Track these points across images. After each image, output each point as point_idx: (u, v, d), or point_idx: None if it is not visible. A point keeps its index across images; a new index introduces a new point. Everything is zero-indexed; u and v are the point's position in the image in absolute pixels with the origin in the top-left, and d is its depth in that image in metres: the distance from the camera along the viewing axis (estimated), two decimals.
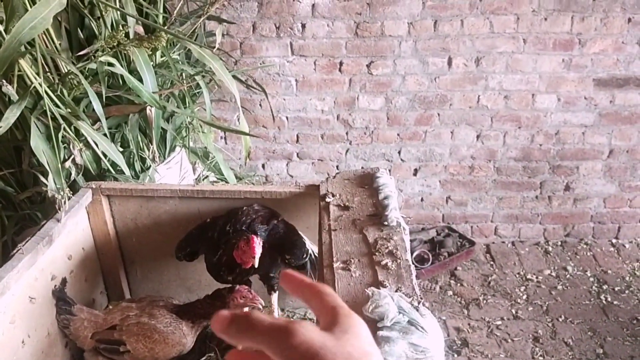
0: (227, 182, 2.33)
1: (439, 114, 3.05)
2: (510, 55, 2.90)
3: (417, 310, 0.99)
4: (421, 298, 1.04)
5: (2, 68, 1.39)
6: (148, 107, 1.76)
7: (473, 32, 2.84)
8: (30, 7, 1.48)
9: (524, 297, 2.88)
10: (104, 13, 1.76)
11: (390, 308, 0.97)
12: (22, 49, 1.46)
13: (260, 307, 1.45)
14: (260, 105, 3.06)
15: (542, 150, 3.13)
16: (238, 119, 2.08)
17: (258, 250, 1.34)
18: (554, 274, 3.06)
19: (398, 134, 3.11)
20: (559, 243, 3.32)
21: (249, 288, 1.44)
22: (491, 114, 3.04)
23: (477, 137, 3.11)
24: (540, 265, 3.14)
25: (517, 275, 3.06)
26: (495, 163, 3.17)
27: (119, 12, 1.81)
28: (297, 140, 3.17)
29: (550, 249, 3.29)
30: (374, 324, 0.97)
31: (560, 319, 2.72)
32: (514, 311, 2.78)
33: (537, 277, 3.03)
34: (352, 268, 1.18)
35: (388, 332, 0.94)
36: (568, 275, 3.05)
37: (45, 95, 1.53)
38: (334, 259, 1.21)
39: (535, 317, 2.74)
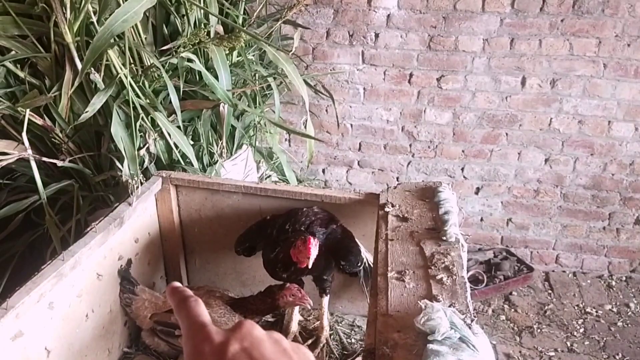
0: (288, 183, 2.38)
1: (507, 134, 2.99)
2: (588, 80, 2.80)
3: (470, 327, 0.98)
4: (475, 316, 1.03)
5: (94, 57, 1.49)
6: (221, 104, 1.83)
7: (551, 52, 2.76)
8: (122, 1, 1.58)
9: (581, 330, 2.77)
10: (188, 11, 1.84)
11: (442, 322, 0.96)
12: (112, 40, 1.55)
13: (309, 306, 1.47)
14: (326, 110, 3.09)
15: (614, 180, 3.00)
16: (304, 123, 2.12)
17: (314, 251, 1.36)
18: (615, 309, 2.92)
19: (463, 151, 3.07)
20: (624, 278, 3.17)
21: (299, 287, 1.46)
22: (563, 138, 2.95)
23: (546, 160, 3.01)
24: (602, 299, 3.01)
25: (576, 307, 2.94)
26: (562, 189, 3.07)
27: (202, 11, 1.89)
28: (360, 149, 3.18)
29: (613, 283, 3.14)
30: (425, 337, 0.97)
31: (617, 357, 2.59)
32: (569, 344, 2.68)
33: (596, 311, 2.90)
34: (406, 279, 1.18)
35: (438, 346, 0.93)
36: (630, 312, 2.90)
37: (128, 86, 1.62)
38: (389, 269, 1.21)
39: (591, 352, 2.63)
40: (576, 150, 2.97)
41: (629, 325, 2.81)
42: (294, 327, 1.63)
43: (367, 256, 1.61)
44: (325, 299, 1.60)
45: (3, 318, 1.02)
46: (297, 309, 1.64)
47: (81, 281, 1.32)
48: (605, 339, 2.71)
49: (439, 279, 1.17)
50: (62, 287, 1.21)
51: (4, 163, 1.56)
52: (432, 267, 1.21)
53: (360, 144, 3.17)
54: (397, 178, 3.21)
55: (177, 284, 0.54)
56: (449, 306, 1.06)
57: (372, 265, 1.61)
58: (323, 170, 3.29)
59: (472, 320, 1.01)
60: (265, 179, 2.44)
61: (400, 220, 1.42)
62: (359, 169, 3.24)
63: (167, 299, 1.50)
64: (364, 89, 3.02)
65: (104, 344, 1.45)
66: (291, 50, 2.42)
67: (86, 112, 1.55)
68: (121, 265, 1.49)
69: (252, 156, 2.25)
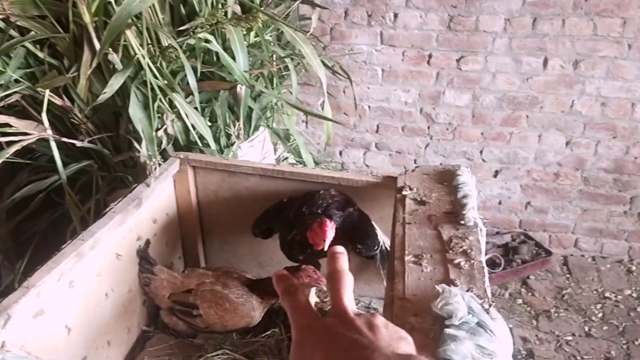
0: (305, 165, 2.37)
1: (527, 116, 2.94)
2: (612, 61, 2.74)
3: (488, 312, 0.97)
4: (493, 301, 1.02)
5: (112, 37, 1.49)
6: (239, 85, 1.82)
7: (574, 33, 2.70)
8: None
9: (600, 315, 2.75)
10: None
11: (459, 307, 0.96)
12: (130, 20, 1.55)
13: (325, 288, 1.48)
14: (344, 92, 3.07)
15: (636, 163, 2.94)
16: (322, 105, 2.10)
17: (330, 234, 1.35)
18: (634, 294, 2.89)
19: (482, 133, 3.03)
20: None
21: (315, 269, 1.46)
22: (585, 120, 2.89)
23: (567, 143, 2.96)
24: (621, 284, 2.97)
25: (595, 292, 2.91)
26: (583, 172, 3.02)
27: None
28: (377, 131, 3.16)
29: (633, 268, 3.10)
30: (442, 321, 0.96)
31: (636, 342, 2.57)
32: (586, 328, 2.66)
33: (616, 296, 2.88)
34: (423, 263, 1.17)
35: (455, 330, 0.93)
36: None
37: (146, 67, 1.62)
38: (406, 252, 1.21)
39: (610, 337, 2.61)
40: (598, 133, 2.91)
41: None
42: None
43: (384, 239, 1.61)
44: None
45: (25, 296, 1.04)
46: (313, 291, 1.65)
47: (101, 261, 1.34)
48: (624, 324, 2.69)
49: (457, 263, 1.16)
50: (82, 267, 1.23)
51: (24, 143, 1.58)
52: (450, 251, 1.20)
53: (377, 125, 3.14)
54: (415, 160, 3.18)
55: (282, 271, 0.62)
56: (467, 291, 1.05)
57: (388, 249, 1.60)
58: (340, 153, 3.28)
59: (490, 306, 1.00)
60: (282, 160, 2.43)
61: (417, 204, 1.40)
62: (377, 151, 3.22)
63: (185, 279, 1.52)
64: (382, 70, 2.98)
65: (123, 322, 1.47)
66: (309, 31, 2.39)
67: (104, 93, 1.55)
68: (140, 246, 1.51)
69: (269, 138, 2.25)
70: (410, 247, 1.22)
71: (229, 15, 1.84)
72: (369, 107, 3.10)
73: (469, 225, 1.30)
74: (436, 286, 1.04)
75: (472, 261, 1.16)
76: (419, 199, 1.42)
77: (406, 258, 1.18)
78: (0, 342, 0.98)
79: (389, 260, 1.46)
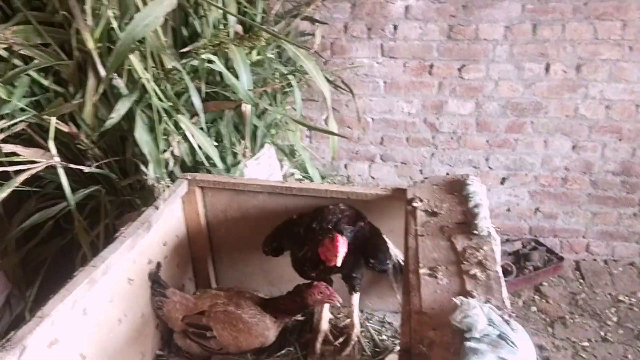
0: (311, 180, 2.37)
1: (532, 122, 2.93)
2: (614, 63, 2.73)
3: (508, 324, 0.96)
4: (513, 312, 1.00)
5: (118, 62, 1.50)
6: (243, 104, 1.82)
7: (575, 37, 2.70)
8: (142, 5, 1.58)
9: (615, 319, 2.71)
10: (207, 12, 1.84)
11: (479, 319, 0.94)
12: (134, 45, 1.55)
13: (338, 304, 1.46)
14: (346, 105, 3.07)
15: None
16: (325, 120, 2.10)
17: (342, 249, 1.34)
18: None
19: (487, 141, 3.02)
20: None
21: (327, 285, 1.45)
22: (590, 124, 2.88)
23: (573, 147, 2.95)
24: (635, 286, 2.94)
25: (609, 296, 2.88)
26: (591, 176, 3.00)
27: (221, 11, 1.88)
28: (382, 142, 3.16)
29: None
30: (462, 335, 0.95)
31: None
32: (602, 333, 2.62)
33: (630, 299, 2.84)
34: (439, 275, 1.16)
35: (476, 343, 0.91)
36: None
37: (151, 90, 1.62)
38: (420, 265, 1.19)
39: (626, 340, 2.57)
40: (604, 135, 2.90)
41: None
42: (325, 325, 1.62)
43: (396, 252, 1.60)
44: (355, 297, 1.58)
45: (39, 326, 1.03)
46: (327, 307, 1.64)
47: (113, 286, 1.33)
48: (639, 327, 2.65)
49: (473, 274, 1.15)
50: (94, 293, 1.22)
51: (33, 171, 1.58)
52: (465, 262, 1.19)
53: (382, 137, 3.14)
54: (421, 171, 3.17)
55: None
56: (485, 302, 1.04)
57: (401, 262, 1.59)
58: (345, 166, 3.27)
59: (510, 317, 0.99)
60: (289, 176, 2.43)
61: (429, 215, 1.40)
62: (382, 163, 3.22)
63: (197, 301, 1.51)
64: (384, 82, 2.99)
65: (137, 347, 1.46)
66: (311, 48, 2.40)
67: (111, 117, 1.56)
68: (151, 269, 1.50)
69: (275, 155, 2.25)
70: (424, 259, 1.21)
71: (231, 35, 1.84)
72: (372, 119, 3.10)
73: (482, 235, 1.29)
74: (453, 298, 1.03)
75: (488, 271, 1.15)
76: (430, 211, 1.42)
77: (421, 271, 1.17)
78: None
79: (404, 273, 1.45)
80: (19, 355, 0.98)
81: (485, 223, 1.32)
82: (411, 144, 3.12)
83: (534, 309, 2.81)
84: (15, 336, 1.00)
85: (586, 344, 2.57)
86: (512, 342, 0.93)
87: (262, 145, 2.19)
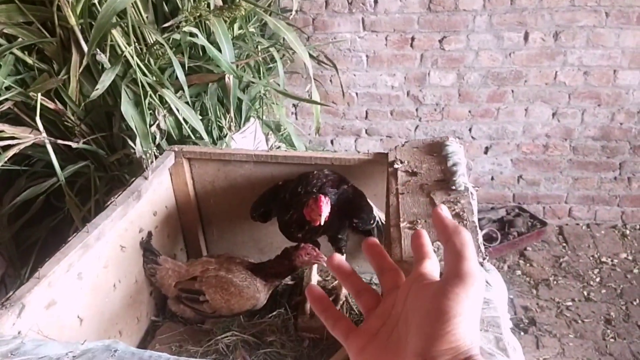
0: None
1: (512, 91, 2.99)
2: (591, 30, 2.79)
3: (482, 265, 1.01)
4: (486, 255, 1.06)
5: (99, 36, 1.52)
6: (227, 76, 1.85)
7: (552, 5, 2.74)
8: None
9: (597, 279, 2.80)
10: None
11: None
12: (115, 19, 1.58)
13: (324, 264, 1.51)
14: (330, 81, 3.11)
15: (622, 129, 3.00)
16: (309, 93, 2.13)
17: (325, 209, 1.39)
18: (630, 257, 2.95)
19: (469, 111, 3.08)
20: (638, 226, 3.19)
21: (314, 246, 1.50)
22: (569, 90, 2.94)
23: (553, 114, 3.02)
24: (617, 248, 3.03)
25: (591, 258, 2.97)
26: (571, 142, 3.07)
27: None
28: (366, 117, 3.20)
29: (627, 232, 3.16)
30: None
31: (634, 303, 2.62)
32: (585, 293, 2.71)
33: (612, 260, 2.93)
34: (418, 227, 1.21)
35: None
36: None
37: (134, 64, 1.65)
38: (401, 219, 1.25)
39: (608, 299, 2.66)
40: (583, 102, 2.96)
41: None
42: None
43: (379, 215, 1.65)
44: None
45: (37, 286, 1.07)
46: (315, 269, 1.69)
47: (106, 252, 1.37)
48: (621, 286, 2.74)
49: None
50: (89, 258, 1.26)
51: (21, 146, 1.61)
52: None
53: (366, 111, 3.18)
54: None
55: (317, 289, 0.60)
56: None
57: (384, 223, 1.64)
58: (332, 142, 3.31)
59: (484, 259, 1.04)
60: (275, 149, 2.47)
61: (409, 175, 1.44)
62: (367, 137, 3.26)
63: (189, 267, 1.55)
64: (367, 56, 3.02)
65: (132, 312, 1.51)
66: (290, 16, 2.42)
67: (96, 89, 1.58)
68: (142, 238, 1.54)
69: (261, 128, 2.29)
70: (404, 214, 1.26)
71: (212, 7, 1.87)
72: (357, 94, 3.14)
73: (460, 190, 1.34)
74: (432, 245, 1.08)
75: (465, 222, 1.21)
76: (410, 171, 1.46)
77: (401, 225, 1.22)
78: (16, 331, 1.02)
79: (385, 228, 1.50)
80: (19, 313, 1.02)
81: (462, 179, 1.37)
82: (395, 117, 3.17)
83: (518, 272, 2.89)
84: (14, 295, 1.04)
85: (570, 303, 2.66)
86: (486, 282, 0.98)
87: (247, 119, 2.23)
